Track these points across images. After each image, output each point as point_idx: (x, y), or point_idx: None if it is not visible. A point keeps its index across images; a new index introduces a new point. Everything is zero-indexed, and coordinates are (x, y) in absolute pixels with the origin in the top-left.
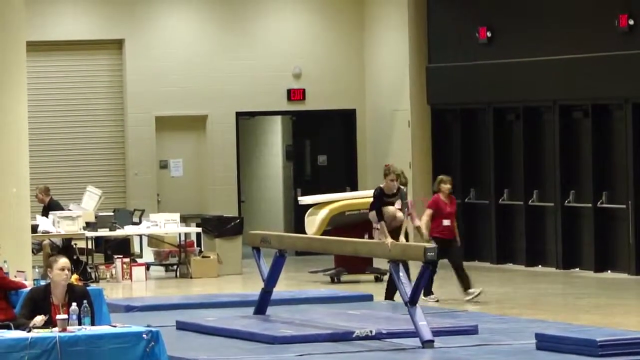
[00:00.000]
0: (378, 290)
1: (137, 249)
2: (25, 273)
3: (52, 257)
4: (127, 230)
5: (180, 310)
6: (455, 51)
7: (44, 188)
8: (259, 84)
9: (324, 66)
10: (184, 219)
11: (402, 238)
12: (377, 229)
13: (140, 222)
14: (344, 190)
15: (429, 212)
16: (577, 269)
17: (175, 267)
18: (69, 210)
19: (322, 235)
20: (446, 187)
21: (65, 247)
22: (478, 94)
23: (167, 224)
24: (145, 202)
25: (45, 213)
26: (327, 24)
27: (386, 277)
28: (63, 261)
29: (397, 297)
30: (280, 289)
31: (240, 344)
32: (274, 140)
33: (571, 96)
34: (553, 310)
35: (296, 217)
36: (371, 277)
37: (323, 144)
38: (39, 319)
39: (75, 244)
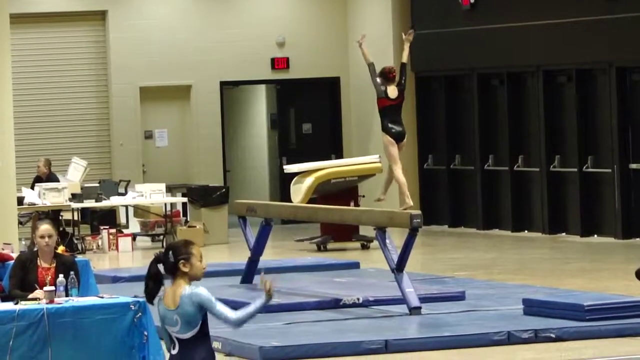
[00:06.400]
0: (365, 258)
1: (123, 220)
2: (12, 245)
3: (38, 221)
4: (113, 201)
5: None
6: (439, 18)
7: (47, 161)
8: (243, 53)
9: (308, 34)
10: (170, 189)
11: None
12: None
13: (126, 193)
14: (329, 158)
15: None
16: (564, 234)
17: (161, 237)
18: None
19: (308, 203)
20: None
21: (52, 219)
22: (462, 61)
23: (152, 194)
24: (130, 173)
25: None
26: None
27: (373, 245)
28: (43, 228)
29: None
30: (267, 258)
31: None
32: (259, 109)
33: (555, 61)
34: (540, 275)
35: (282, 185)
36: (357, 244)
37: (307, 112)
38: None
39: (62, 216)
